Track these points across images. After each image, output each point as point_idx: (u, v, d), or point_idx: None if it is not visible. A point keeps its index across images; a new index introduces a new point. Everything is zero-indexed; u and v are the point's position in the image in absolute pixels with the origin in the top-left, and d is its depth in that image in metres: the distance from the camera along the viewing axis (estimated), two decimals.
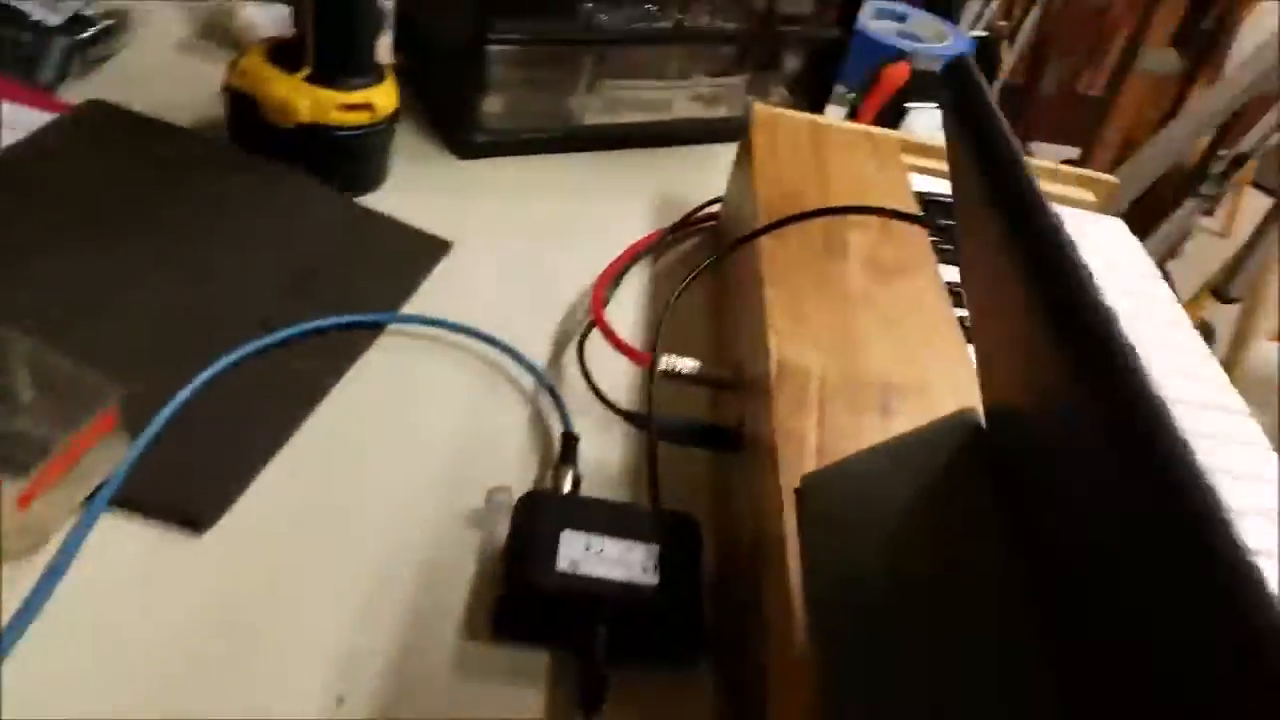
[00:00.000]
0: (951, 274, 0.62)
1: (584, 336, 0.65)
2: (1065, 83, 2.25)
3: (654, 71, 0.88)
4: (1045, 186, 0.82)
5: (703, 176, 0.89)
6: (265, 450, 0.55)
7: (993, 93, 1.32)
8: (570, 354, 0.67)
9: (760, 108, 0.76)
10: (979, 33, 1.24)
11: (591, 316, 0.66)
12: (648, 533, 0.52)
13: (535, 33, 0.82)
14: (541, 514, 0.53)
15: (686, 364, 0.60)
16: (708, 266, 0.60)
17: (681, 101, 0.90)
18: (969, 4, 1.99)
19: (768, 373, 0.53)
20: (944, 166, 0.81)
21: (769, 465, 0.48)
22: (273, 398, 0.58)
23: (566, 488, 0.56)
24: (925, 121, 0.92)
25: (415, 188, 0.80)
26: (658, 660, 0.50)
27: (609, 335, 0.62)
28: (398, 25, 0.90)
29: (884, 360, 0.54)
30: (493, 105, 0.83)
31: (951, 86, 0.35)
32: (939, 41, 1.15)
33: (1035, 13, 1.97)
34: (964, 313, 0.59)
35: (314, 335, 0.62)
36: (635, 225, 0.81)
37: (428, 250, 0.72)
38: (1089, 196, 0.78)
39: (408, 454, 0.59)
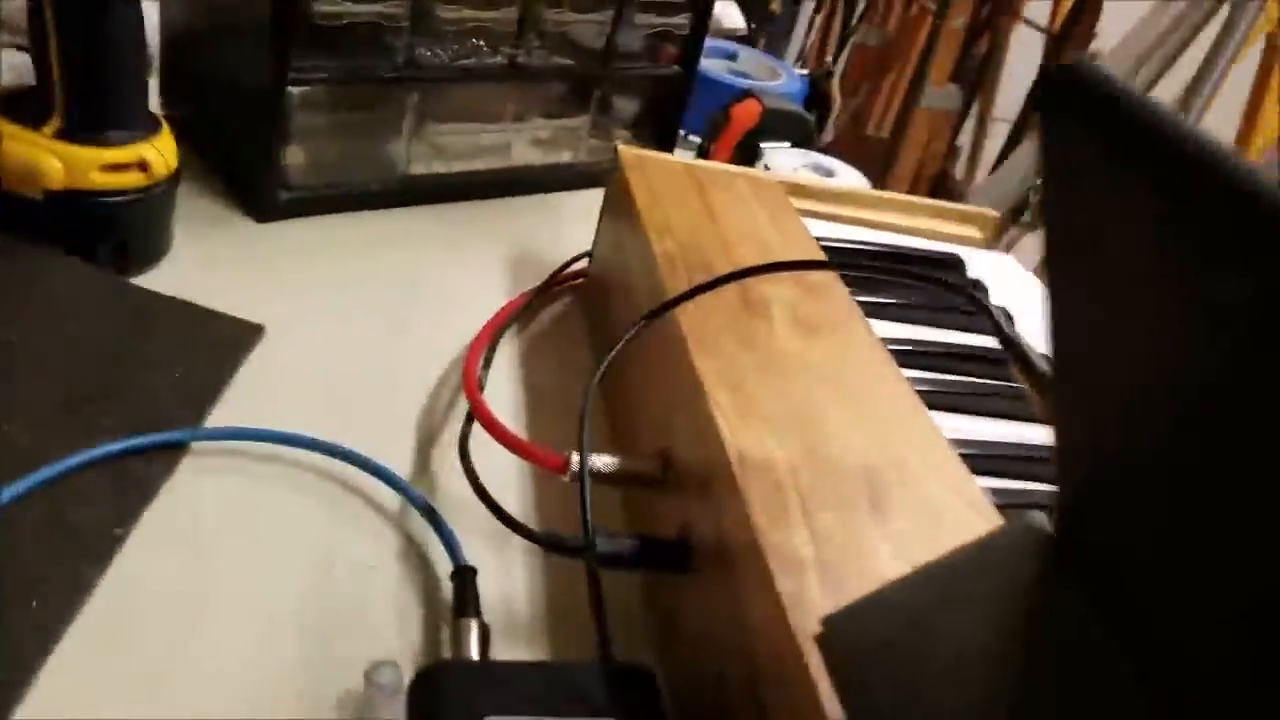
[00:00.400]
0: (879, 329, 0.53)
1: (465, 434, 0.51)
2: (853, 124, 2.26)
3: (487, 114, 0.75)
4: (932, 224, 0.75)
5: (552, 228, 0.77)
6: (38, 644, 0.39)
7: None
8: (441, 459, 0.54)
9: (626, 150, 0.65)
10: (807, 71, 1.19)
11: (468, 405, 0.53)
12: (598, 702, 0.39)
13: (345, 71, 0.68)
14: (452, 699, 0.39)
15: (604, 461, 0.47)
16: (631, 339, 0.48)
17: (520, 147, 0.78)
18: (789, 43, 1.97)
19: (725, 469, 0.41)
20: (830, 209, 0.74)
21: (762, 598, 0.36)
22: (43, 563, 0.42)
23: (473, 649, 0.43)
24: (784, 160, 0.83)
25: (208, 261, 0.64)
26: None
27: (499, 433, 0.49)
28: (164, 63, 0.74)
29: (848, 438, 0.44)
30: (296, 156, 0.68)
31: (1067, 94, 0.24)
32: (771, 79, 1.08)
33: (846, 52, 1.97)
34: (909, 373, 0.49)
35: (93, 469, 0.46)
36: (487, 289, 0.68)
37: (233, 338, 0.57)
38: (975, 233, 0.71)
39: (240, 624, 0.43)
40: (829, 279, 0.55)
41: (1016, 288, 0.66)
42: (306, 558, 0.47)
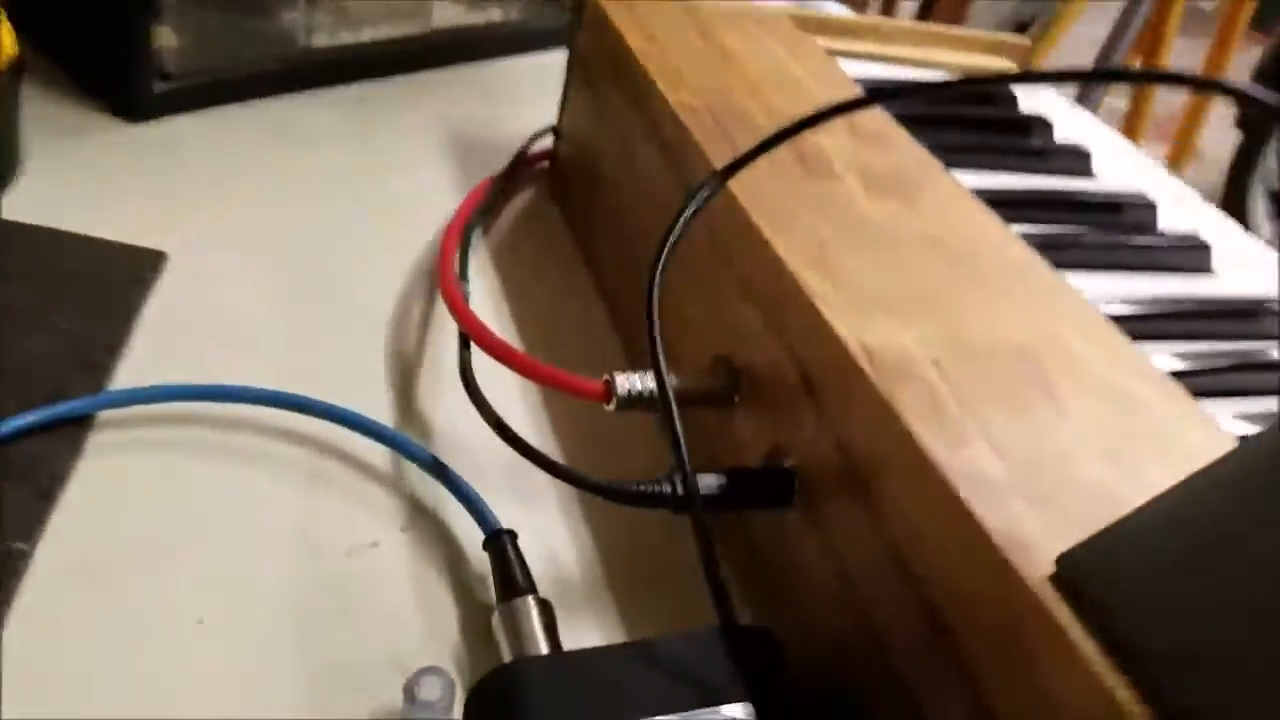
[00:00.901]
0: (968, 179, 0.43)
1: (465, 363, 0.40)
2: None
3: None
4: (955, 57, 0.65)
5: (489, 105, 0.65)
6: None
7: None
8: (427, 400, 0.42)
9: None
10: None
11: (457, 328, 0.41)
12: (721, 683, 0.29)
13: None
14: (533, 704, 0.28)
15: (653, 382, 0.37)
16: (698, 211, 0.36)
17: (441, 7, 0.64)
18: None
19: (848, 370, 0.31)
20: (844, 45, 0.63)
21: (948, 534, 0.27)
22: None
23: (539, 638, 0.32)
24: None
25: (73, 178, 0.50)
26: None
27: (509, 356, 0.38)
28: None
29: (985, 318, 0.34)
30: (170, 37, 0.54)
31: None
32: None
33: None
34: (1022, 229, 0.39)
35: None
36: (429, 185, 0.56)
37: (127, 273, 0.44)
38: (1008, 64, 0.61)
39: (214, 655, 0.32)
40: (882, 124, 0.44)
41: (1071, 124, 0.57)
42: (283, 547, 0.35)
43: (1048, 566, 0.25)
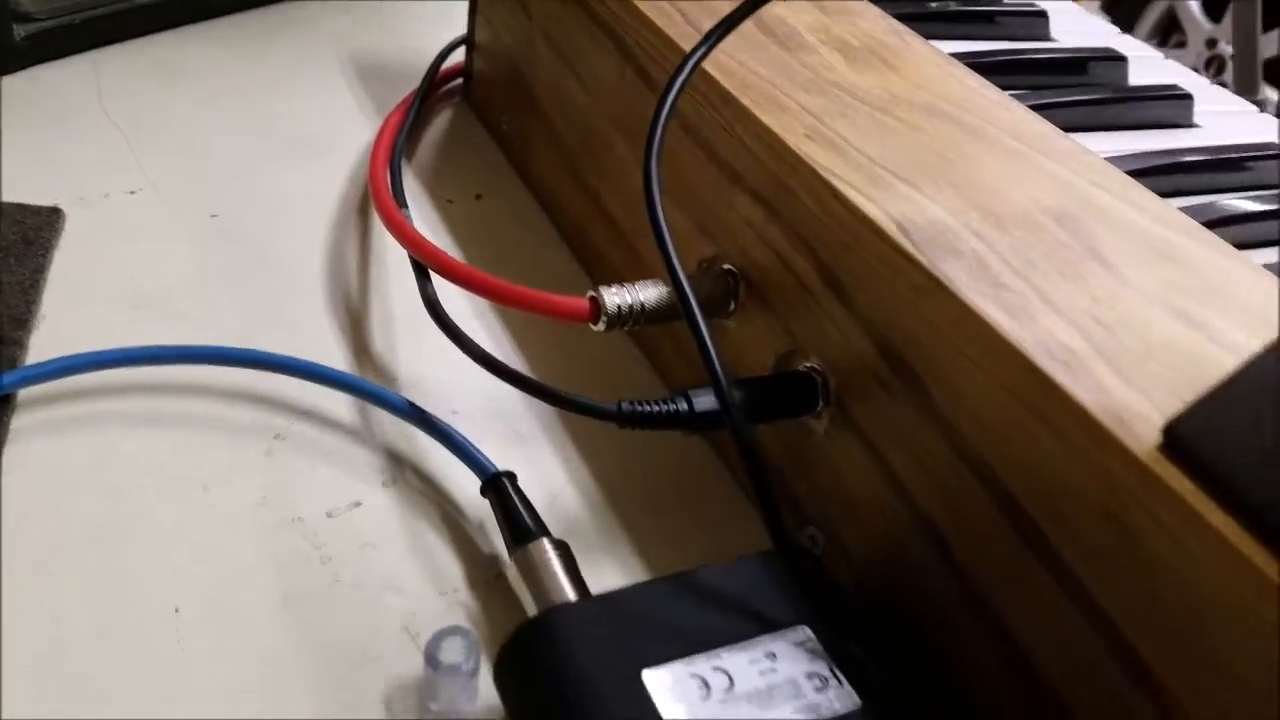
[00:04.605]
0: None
1: (429, 296, 0.35)
2: None
3: None
4: None
5: (380, 25, 0.59)
6: None
7: None
8: (382, 343, 0.38)
9: None
10: None
11: (416, 255, 0.37)
12: (772, 610, 0.27)
13: None
14: (582, 658, 0.25)
15: (646, 293, 0.33)
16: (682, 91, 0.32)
17: None
18: None
19: (882, 246, 0.28)
20: None
21: (1046, 414, 0.24)
22: None
23: (565, 584, 0.29)
24: None
25: None
26: None
27: (477, 282, 0.34)
28: None
29: (1010, 183, 0.31)
30: None
31: None
32: None
33: None
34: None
35: None
36: (341, 113, 0.51)
37: (24, 235, 0.39)
38: None
39: (196, 649, 0.28)
40: None
41: None
42: (254, 518, 0.31)
43: (1154, 437, 0.23)
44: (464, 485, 0.33)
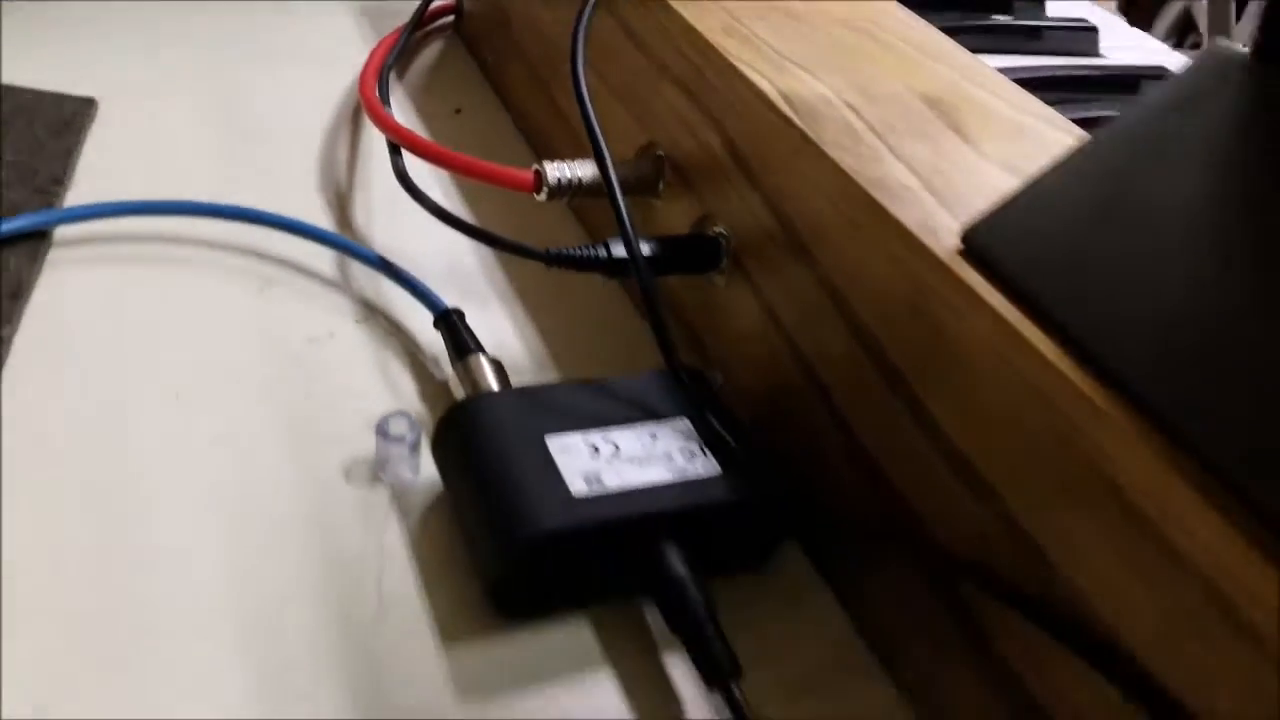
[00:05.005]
0: None
1: (399, 168, 0.41)
2: None
3: None
4: None
5: None
6: None
7: None
8: (361, 211, 0.44)
9: None
10: None
11: (389, 135, 0.43)
12: (659, 405, 0.32)
13: None
14: (499, 427, 0.31)
15: (581, 170, 0.39)
16: None
17: None
18: None
19: (772, 120, 0.33)
20: None
21: (875, 234, 0.30)
22: None
23: (492, 381, 0.35)
24: None
25: None
26: (731, 565, 0.32)
27: (437, 154, 0.40)
28: None
29: (897, 74, 0.37)
30: None
31: None
32: None
33: None
34: None
35: None
36: (338, 41, 0.57)
37: (61, 117, 0.45)
38: None
39: (197, 411, 0.34)
40: None
41: None
42: (245, 338, 0.37)
43: (956, 244, 0.28)
44: (424, 328, 0.38)
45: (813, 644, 0.31)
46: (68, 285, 0.37)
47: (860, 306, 0.31)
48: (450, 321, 0.37)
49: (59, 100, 0.45)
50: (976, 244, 0.28)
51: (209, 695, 0.27)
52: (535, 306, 0.41)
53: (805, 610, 0.32)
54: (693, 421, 0.32)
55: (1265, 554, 0.20)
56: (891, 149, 0.32)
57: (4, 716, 0.24)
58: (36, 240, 0.38)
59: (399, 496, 0.33)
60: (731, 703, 0.27)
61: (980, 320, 0.27)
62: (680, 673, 0.29)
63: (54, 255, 0.38)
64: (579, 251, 0.35)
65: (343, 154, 0.47)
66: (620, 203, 0.35)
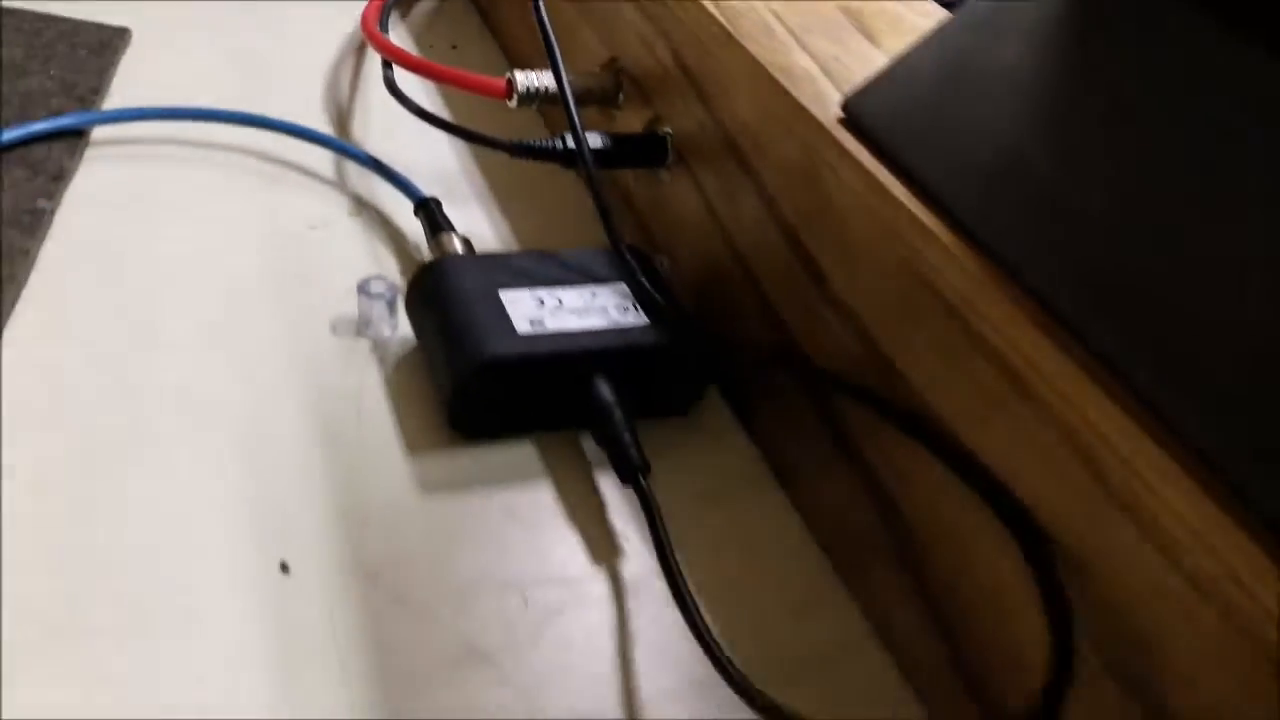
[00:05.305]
0: None
1: (389, 79, 0.47)
2: None
3: None
4: None
5: None
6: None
7: None
8: (359, 123, 0.50)
9: None
10: None
11: (382, 53, 0.48)
12: (603, 273, 0.38)
13: None
14: (459, 281, 0.37)
15: (550, 79, 0.44)
16: None
17: None
18: None
19: (707, 23, 0.39)
20: None
21: (777, 113, 0.35)
22: None
23: (459, 247, 0.40)
24: None
25: None
26: (660, 408, 0.38)
27: (422, 66, 0.45)
28: None
29: None
30: None
31: None
32: None
33: None
34: None
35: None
36: None
37: (98, 42, 0.50)
38: None
39: (208, 281, 0.40)
40: None
41: None
42: (254, 223, 0.43)
43: (838, 114, 0.33)
44: (409, 221, 0.44)
45: (721, 468, 0.37)
46: (101, 175, 0.43)
47: (770, 181, 0.36)
48: (428, 208, 0.42)
49: (97, 28, 0.51)
50: (853, 112, 0.33)
51: (210, 483, 0.32)
52: (507, 201, 0.47)
53: (721, 444, 0.38)
54: (630, 287, 0.37)
55: (1055, 341, 0.25)
56: (801, 44, 0.37)
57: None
58: (76, 138, 0.43)
59: (379, 348, 0.38)
60: (641, 493, 0.33)
61: (849, 173, 0.32)
62: (606, 483, 0.35)
63: (90, 152, 0.44)
64: (538, 143, 0.41)
65: (346, 79, 0.53)
66: (570, 100, 0.40)
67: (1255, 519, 0.21)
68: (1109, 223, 0.26)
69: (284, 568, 0.30)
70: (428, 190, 0.44)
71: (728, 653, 0.28)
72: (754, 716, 0.28)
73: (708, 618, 0.29)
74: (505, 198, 0.47)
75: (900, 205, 0.30)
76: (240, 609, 0.29)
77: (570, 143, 0.41)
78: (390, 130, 0.49)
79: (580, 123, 0.40)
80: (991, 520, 0.27)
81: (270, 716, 0.27)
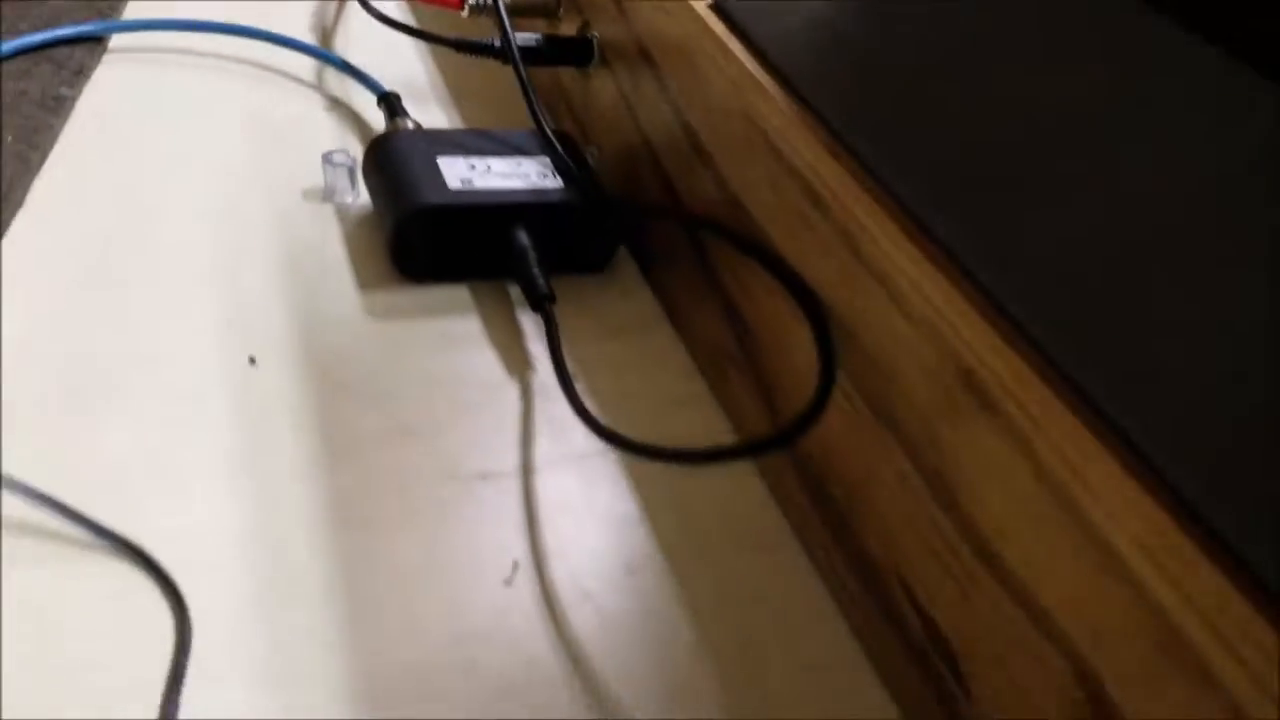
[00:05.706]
0: None
1: None
2: None
3: None
4: None
5: None
6: (20, 170, 0.43)
7: None
8: (340, 39, 0.57)
9: None
10: None
11: None
12: (530, 149, 0.45)
13: None
14: (404, 149, 0.44)
15: None
16: None
17: None
18: None
19: None
20: None
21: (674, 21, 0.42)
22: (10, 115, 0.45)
23: (409, 124, 0.48)
24: None
25: None
26: (578, 264, 0.45)
27: None
28: None
29: None
30: None
31: None
32: None
33: None
34: None
35: (25, 56, 0.49)
36: None
37: None
38: None
39: (203, 157, 0.48)
40: None
41: None
42: (243, 116, 0.51)
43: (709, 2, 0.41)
44: (376, 115, 0.51)
45: (625, 312, 0.44)
46: (117, 73, 0.51)
47: (664, 70, 0.43)
48: (389, 100, 0.50)
49: None
50: (720, 3, 0.40)
51: (199, 296, 0.40)
52: (459, 100, 0.54)
53: (627, 295, 0.45)
54: (552, 161, 0.45)
55: (847, 168, 0.32)
56: None
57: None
58: (95, 43, 0.51)
59: (341, 213, 0.46)
60: (548, 319, 0.40)
61: (712, 48, 0.39)
62: (525, 319, 0.42)
63: (108, 57, 0.52)
64: (478, 40, 0.48)
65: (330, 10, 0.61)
66: (503, 12, 0.48)
67: (967, 279, 0.28)
68: (897, 68, 0.33)
69: (252, 360, 0.38)
70: (391, 89, 0.52)
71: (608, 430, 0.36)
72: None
73: (603, 419, 0.37)
74: (458, 97, 0.54)
75: (743, 66, 0.37)
76: (215, 387, 0.37)
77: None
78: (365, 43, 0.56)
79: (510, 22, 0.47)
80: (795, 308, 0.34)
81: (236, 465, 0.35)
